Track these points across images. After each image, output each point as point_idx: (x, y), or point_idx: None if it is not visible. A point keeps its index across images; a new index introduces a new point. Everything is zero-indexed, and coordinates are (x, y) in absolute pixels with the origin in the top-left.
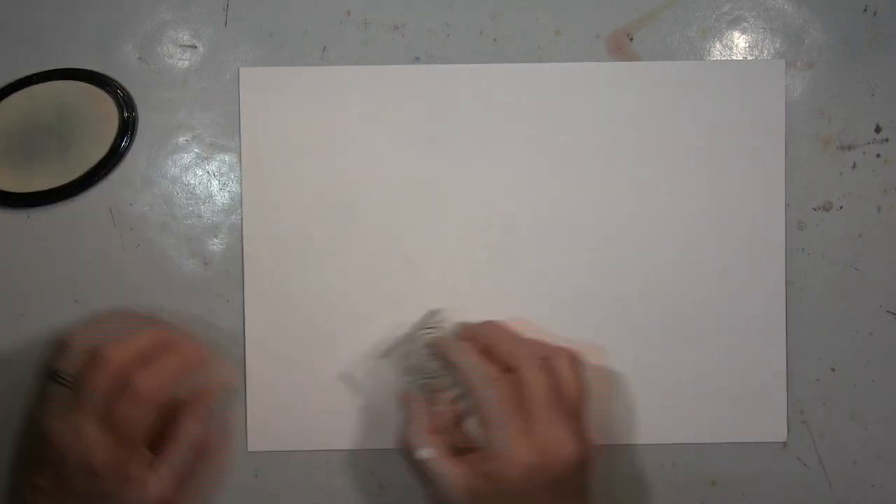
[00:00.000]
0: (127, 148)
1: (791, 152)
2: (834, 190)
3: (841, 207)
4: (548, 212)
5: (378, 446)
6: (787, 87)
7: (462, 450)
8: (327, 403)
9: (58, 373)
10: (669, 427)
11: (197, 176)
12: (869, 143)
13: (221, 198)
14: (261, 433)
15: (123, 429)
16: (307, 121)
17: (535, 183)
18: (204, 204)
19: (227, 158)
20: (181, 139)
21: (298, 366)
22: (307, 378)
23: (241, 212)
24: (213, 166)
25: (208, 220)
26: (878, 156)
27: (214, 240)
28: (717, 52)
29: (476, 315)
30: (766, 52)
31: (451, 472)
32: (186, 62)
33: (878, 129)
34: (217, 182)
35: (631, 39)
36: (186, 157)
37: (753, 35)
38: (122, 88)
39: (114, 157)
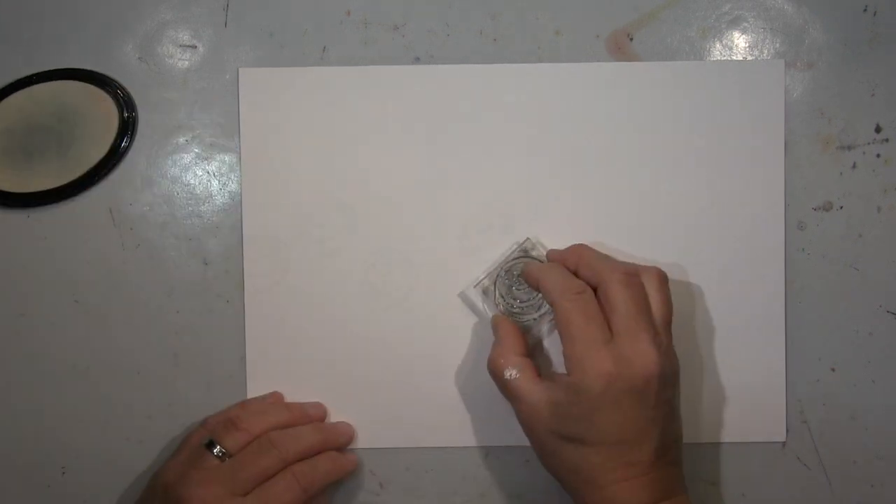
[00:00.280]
0: (127, 148)
1: (791, 152)
2: (834, 190)
3: (841, 207)
4: (548, 212)
5: (378, 445)
6: (787, 87)
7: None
8: (327, 402)
9: (216, 444)
10: None
11: (197, 176)
12: (869, 143)
13: (221, 198)
14: None
15: None
16: (307, 121)
17: (535, 183)
18: (204, 204)
19: (227, 158)
20: (181, 139)
21: (298, 365)
22: (307, 377)
23: (241, 212)
24: (213, 166)
25: (208, 220)
26: (879, 156)
27: (214, 240)
28: (717, 52)
29: (476, 314)
30: (766, 52)
31: (534, 389)
32: (186, 62)
33: (878, 129)
34: (217, 182)
35: (631, 39)
36: (186, 157)
37: (753, 35)
38: (122, 88)
39: (114, 157)
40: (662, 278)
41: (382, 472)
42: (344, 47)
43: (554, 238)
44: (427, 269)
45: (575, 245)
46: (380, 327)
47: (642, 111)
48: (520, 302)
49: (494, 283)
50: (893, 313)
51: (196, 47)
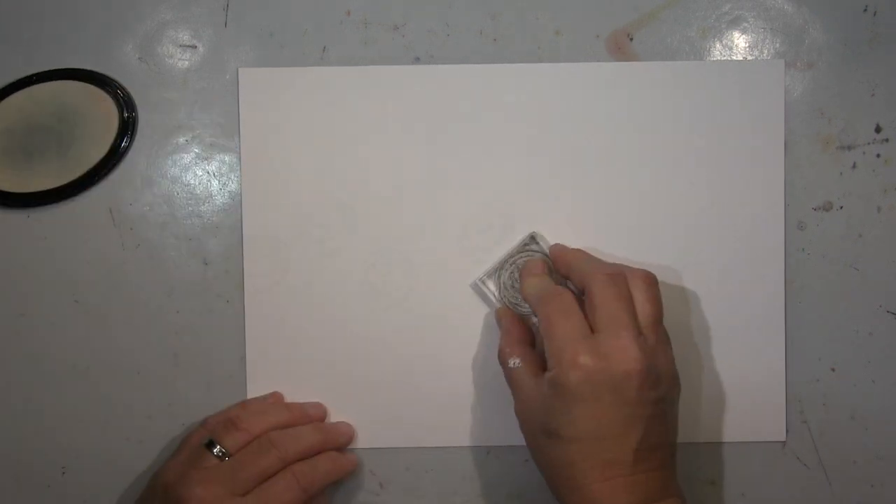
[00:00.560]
0: (127, 148)
1: (791, 152)
2: (834, 190)
3: (841, 207)
4: (547, 212)
5: (378, 445)
6: (787, 87)
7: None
8: (327, 402)
9: (216, 443)
10: None
11: (197, 176)
12: (869, 143)
13: (221, 198)
14: None
15: None
16: (307, 121)
17: (535, 183)
18: (204, 204)
19: (227, 158)
20: (181, 139)
21: (298, 365)
22: (307, 377)
23: (241, 212)
24: (213, 166)
25: (208, 220)
26: (879, 156)
27: (214, 240)
28: (717, 52)
29: (476, 313)
30: (766, 52)
31: (530, 382)
32: (186, 62)
33: (878, 129)
34: (217, 182)
35: (631, 39)
36: (186, 157)
37: (753, 35)
38: (122, 88)
39: (114, 157)
40: (650, 280)
41: (382, 472)
42: (344, 47)
43: (554, 237)
44: (427, 269)
45: (569, 250)
46: (380, 327)
47: (642, 111)
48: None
49: (499, 276)
50: (893, 313)
51: (196, 47)
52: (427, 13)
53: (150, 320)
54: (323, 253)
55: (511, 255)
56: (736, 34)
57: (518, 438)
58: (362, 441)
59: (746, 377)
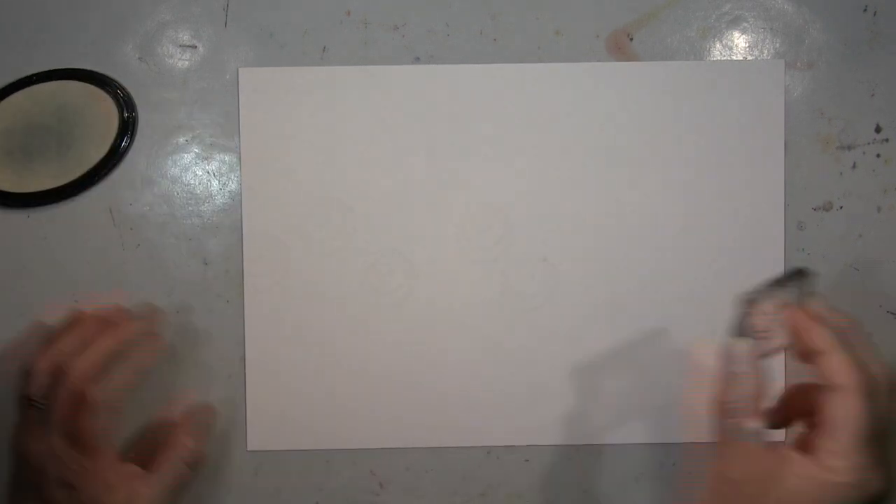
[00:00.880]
0: (127, 148)
1: (791, 152)
2: (834, 190)
3: (841, 207)
4: (547, 211)
5: (378, 445)
6: (787, 87)
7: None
8: (327, 402)
9: (30, 398)
10: (669, 427)
11: (197, 176)
12: (869, 143)
13: (221, 198)
14: (261, 433)
15: (87, 438)
16: (307, 121)
17: (535, 182)
18: (204, 204)
19: (226, 158)
20: (181, 139)
21: (298, 365)
22: (307, 377)
23: (241, 212)
24: (213, 166)
25: (208, 220)
26: (879, 156)
27: (214, 240)
28: (717, 52)
29: (476, 313)
30: (766, 52)
31: (798, 460)
32: (186, 62)
33: (878, 129)
34: (217, 182)
35: (631, 39)
36: (186, 157)
37: (753, 35)
38: (122, 89)
39: (114, 157)
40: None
41: (382, 472)
42: (344, 47)
43: (554, 236)
44: (427, 269)
45: (845, 316)
46: (379, 327)
47: (642, 111)
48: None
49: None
50: (893, 313)
51: (196, 47)
52: (427, 13)
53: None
54: (323, 253)
55: (772, 288)
56: (736, 34)
57: (517, 438)
58: (362, 441)
59: None
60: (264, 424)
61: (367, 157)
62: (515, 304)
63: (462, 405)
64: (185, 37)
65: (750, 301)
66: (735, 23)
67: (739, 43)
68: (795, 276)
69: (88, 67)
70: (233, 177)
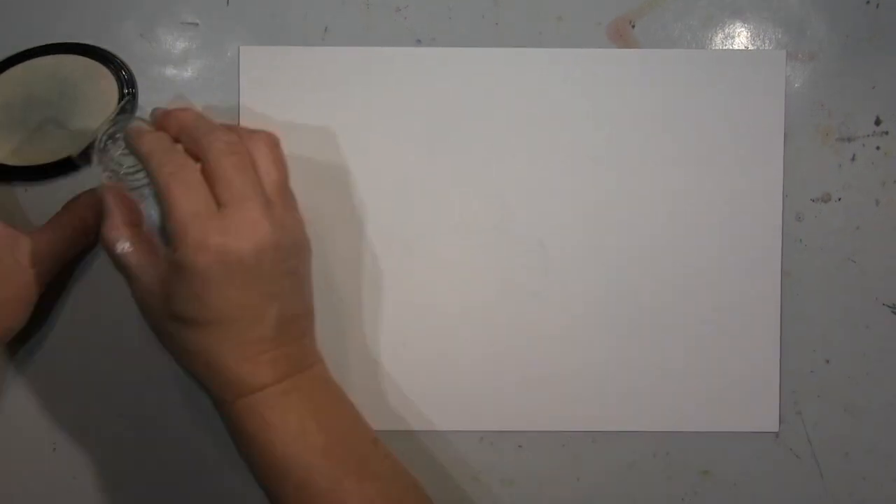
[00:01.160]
0: None
1: (790, 143)
2: (833, 182)
3: (839, 199)
4: (546, 195)
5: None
6: (788, 78)
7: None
8: None
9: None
10: (662, 415)
11: None
12: (869, 136)
13: None
14: None
15: None
16: (307, 100)
17: (534, 166)
18: None
19: None
20: None
21: None
22: None
23: None
24: None
25: None
26: (878, 148)
27: None
28: (718, 41)
29: (474, 298)
30: (767, 42)
31: (147, 266)
32: (187, 40)
33: (878, 122)
34: None
35: (633, 27)
36: None
37: (755, 25)
38: (125, 67)
39: None
40: (272, 142)
41: None
42: (345, 28)
43: (552, 220)
44: (425, 253)
45: (177, 110)
46: (375, 312)
47: (642, 99)
48: (127, 167)
49: (101, 148)
50: (890, 306)
51: (197, 25)
52: None
53: None
54: (322, 234)
55: (107, 123)
56: (738, 24)
57: (511, 424)
58: None
59: (741, 367)
60: None
61: (366, 137)
62: (511, 290)
63: (454, 390)
64: (186, 14)
65: (101, 140)
66: (737, 13)
67: (741, 33)
68: (121, 107)
69: (89, 42)
70: None
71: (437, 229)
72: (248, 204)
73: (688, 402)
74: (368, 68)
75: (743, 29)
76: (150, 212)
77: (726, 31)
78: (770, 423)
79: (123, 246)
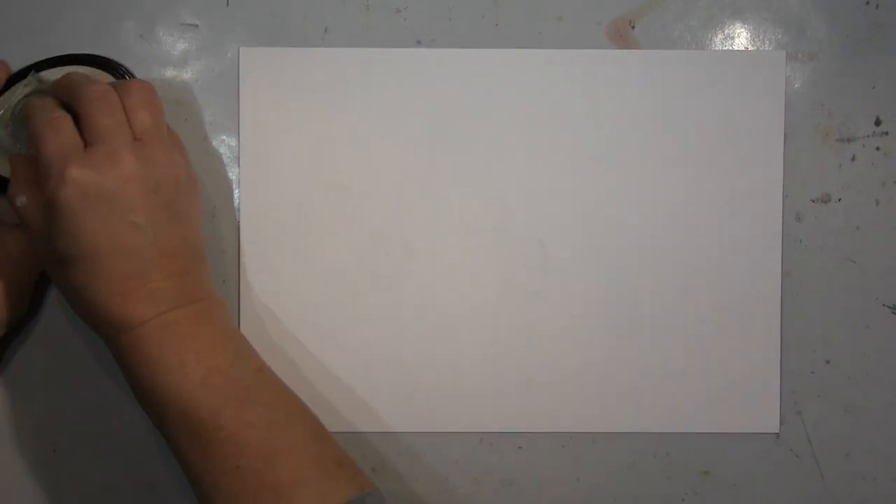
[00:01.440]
0: None
1: (790, 144)
2: (832, 182)
3: (839, 200)
4: (546, 195)
5: (370, 429)
6: (788, 78)
7: None
8: (320, 386)
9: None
10: (662, 416)
11: (195, 155)
12: (869, 136)
13: (219, 177)
14: None
15: None
16: (307, 101)
17: (534, 166)
18: (202, 183)
19: (225, 138)
20: (181, 118)
21: (292, 348)
22: (300, 361)
23: (240, 192)
24: (211, 146)
25: (206, 199)
26: (878, 149)
27: (211, 219)
28: (718, 41)
29: (474, 299)
30: (767, 42)
31: (34, 213)
32: (187, 41)
33: (878, 122)
34: (215, 161)
35: (633, 27)
36: (185, 137)
37: (755, 26)
38: (129, 74)
39: None
40: (145, 88)
41: (374, 456)
42: (345, 29)
43: (551, 218)
44: (425, 254)
45: (67, 74)
46: (377, 312)
47: (642, 99)
48: (26, 135)
49: (7, 121)
50: (890, 307)
51: (197, 26)
52: None
53: None
54: (321, 237)
55: (11, 94)
56: (738, 24)
57: (511, 425)
58: (354, 425)
59: (741, 368)
60: None
61: (366, 138)
62: (511, 290)
63: (454, 391)
64: (186, 15)
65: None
66: (737, 13)
67: (741, 33)
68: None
69: (89, 44)
70: (231, 156)
71: (437, 230)
72: (111, 140)
73: (688, 402)
74: (368, 69)
75: (743, 29)
76: None
77: (726, 31)
78: (770, 423)
79: (22, 199)
